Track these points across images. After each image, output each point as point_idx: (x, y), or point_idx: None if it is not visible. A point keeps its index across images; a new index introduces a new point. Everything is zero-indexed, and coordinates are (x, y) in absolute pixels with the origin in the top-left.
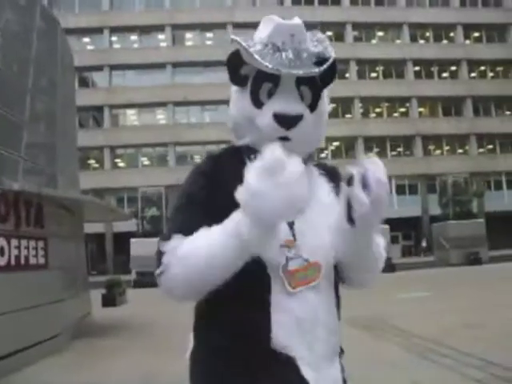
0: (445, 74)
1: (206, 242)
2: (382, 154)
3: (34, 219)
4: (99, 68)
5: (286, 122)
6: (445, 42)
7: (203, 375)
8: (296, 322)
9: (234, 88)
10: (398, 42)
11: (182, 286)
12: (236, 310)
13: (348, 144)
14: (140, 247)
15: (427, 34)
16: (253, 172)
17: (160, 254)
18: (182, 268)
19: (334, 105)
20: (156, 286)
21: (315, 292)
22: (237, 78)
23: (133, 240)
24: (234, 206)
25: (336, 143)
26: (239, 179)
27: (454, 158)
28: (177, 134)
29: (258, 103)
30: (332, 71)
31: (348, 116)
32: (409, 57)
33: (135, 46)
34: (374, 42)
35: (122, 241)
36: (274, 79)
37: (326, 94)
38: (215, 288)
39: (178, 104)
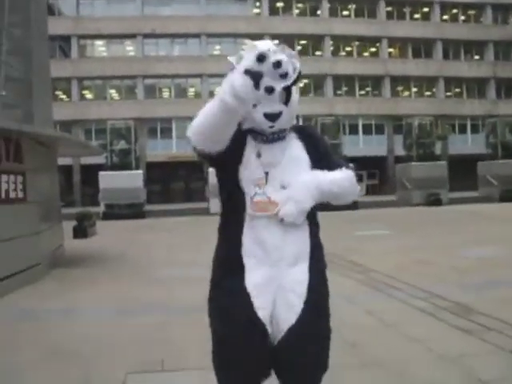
0: (417, 16)
1: (206, 112)
2: (350, 93)
3: (13, 155)
4: None
5: (272, 118)
6: None
7: (212, 277)
8: (259, 236)
9: None
10: None
11: (199, 138)
12: (226, 226)
13: (317, 82)
14: (109, 180)
15: None
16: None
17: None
18: (197, 129)
19: (304, 41)
20: (125, 218)
21: (277, 221)
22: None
23: (102, 173)
24: (233, 158)
25: (305, 80)
26: (242, 145)
27: (422, 100)
28: (146, 67)
29: (253, 105)
30: (298, 76)
31: (318, 53)
32: None
33: None
34: None
35: (89, 173)
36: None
37: (294, 88)
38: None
39: (147, 36)
